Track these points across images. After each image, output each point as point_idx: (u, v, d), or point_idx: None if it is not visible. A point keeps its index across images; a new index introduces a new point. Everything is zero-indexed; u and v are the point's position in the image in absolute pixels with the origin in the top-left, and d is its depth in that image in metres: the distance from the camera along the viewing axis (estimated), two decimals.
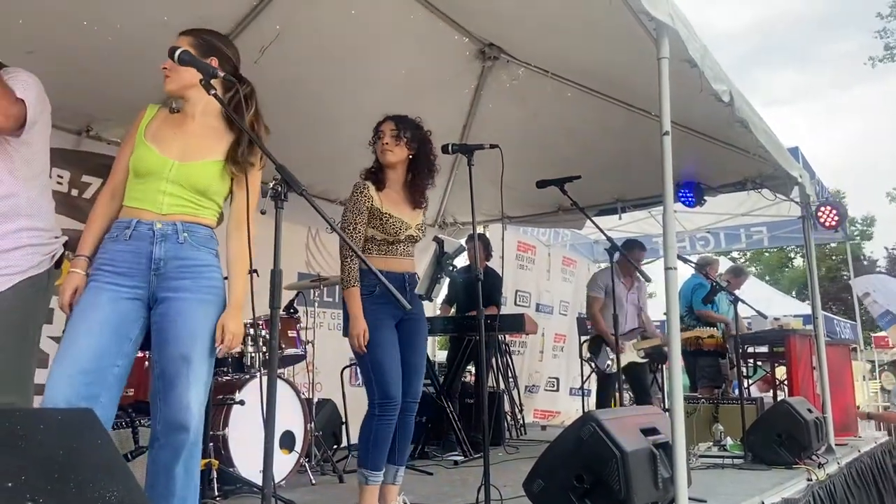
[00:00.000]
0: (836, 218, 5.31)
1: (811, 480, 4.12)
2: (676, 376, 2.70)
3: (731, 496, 3.40)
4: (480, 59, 4.80)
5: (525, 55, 4.65)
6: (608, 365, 5.41)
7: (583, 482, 2.53)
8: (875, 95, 49.43)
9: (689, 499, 2.75)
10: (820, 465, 4.36)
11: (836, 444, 5.19)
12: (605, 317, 5.38)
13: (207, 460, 3.18)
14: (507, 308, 7.47)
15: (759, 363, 6.79)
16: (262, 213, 1.87)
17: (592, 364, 5.60)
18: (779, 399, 5.72)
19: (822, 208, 5.38)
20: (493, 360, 5.85)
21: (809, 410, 4.64)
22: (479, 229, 6.99)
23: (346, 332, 2.85)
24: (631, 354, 5.46)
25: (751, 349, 6.60)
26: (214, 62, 2.10)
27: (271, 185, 1.80)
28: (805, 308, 10.44)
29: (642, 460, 2.56)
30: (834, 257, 24.62)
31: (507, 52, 4.68)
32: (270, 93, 4.21)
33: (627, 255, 5.34)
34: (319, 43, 4.13)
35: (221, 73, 1.89)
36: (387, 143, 2.94)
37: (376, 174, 2.97)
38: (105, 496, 1.16)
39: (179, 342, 1.93)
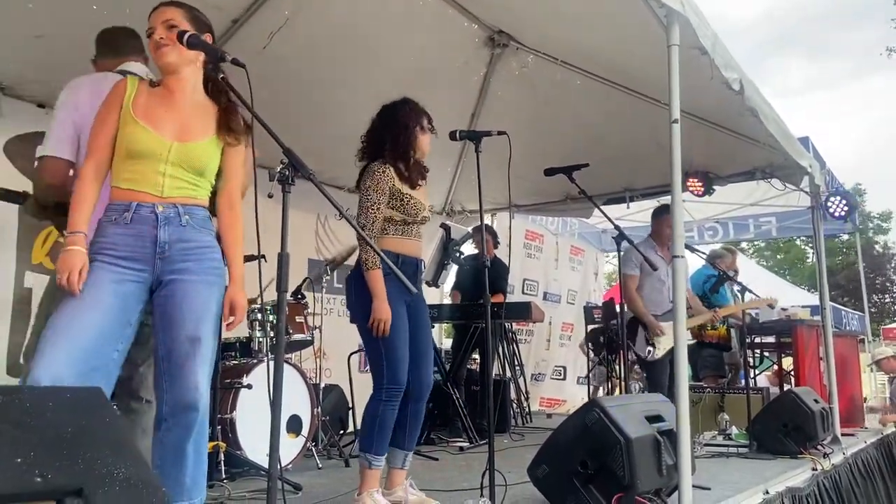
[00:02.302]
0: (845, 208, 5.28)
1: (816, 470, 4.12)
2: (682, 364, 2.70)
3: (735, 484, 3.41)
4: (490, 47, 4.78)
5: (534, 43, 4.63)
6: (649, 351, 4.70)
7: (587, 468, 2.55)
8: (893, 86, 48.76)
9: (693, 486, 2.75)
10: (825, 456, 4.36)
11: (842, 435, 5.18)
12: (644, 297, 4.79)
13: (215, 443, 3.21)
14: (515, 296, 7.47)
15: (766, 353, 6.78)
16: (270, 196, 1.87)
17: (614, 353, 5.05)
18: (785, 389, 5.72)
19: (832, 198, 5.35)
20: (500, 347, 5.85)
21: (816, 401, 4.64)
22: (487, 217, 6.98)
23: (358, 316, 2.80)
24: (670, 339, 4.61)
25: (758, 339, 6.58)
26: (209, 38, 2.07)
27: (278, 168, 1.80)
28: (814, 299, 10.38)
29: (647, 447, 2.57)
30: (847, 250, 24.45)
31: (516, 39, 4.66)
32: (279, 78, 4.26)
33: (660, 223, 4.83)
34: (329, 29, 4.13)
35: (230, 57, 1.88)
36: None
37: (407, 165, 2.90)
38: (113, 473, 1.18)
39: (186, 324, 1.93)
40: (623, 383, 4.71)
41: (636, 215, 7.15)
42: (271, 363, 3.69)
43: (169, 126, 2.02)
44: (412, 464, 3.03)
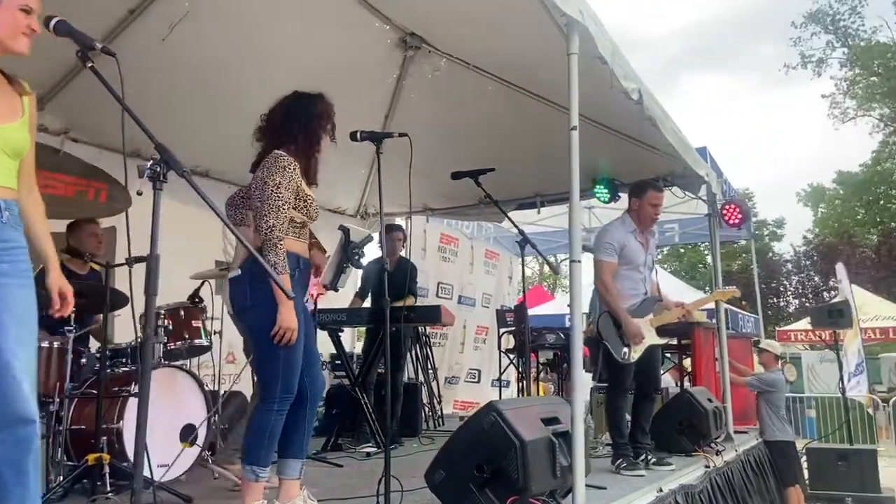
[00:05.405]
0: (739, 216, 5.55)
1: (709, 467, 4.30)
2: (577, 366, 2.75)
3: (630, 482, 3.51)
4: (402, 49, 4.77)
5: (446, 46, 4.64)
6: (624, 353, 3.99)
7: (483, 472, 2.54)
8: (793, 99, 52.51)
9: (589, 486, 2.81)
10: (718, 453, 4.55)
11: (735, 433, 5.43)
12: (620, 287, 4.05)
13: (98, 455, 3.04)
14: (430, 300, 7.48)
15: (668, 354, 7.02)
16: (139, 194, 1.76)
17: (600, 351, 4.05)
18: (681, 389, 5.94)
19: (727, 206, 5.61)
20: (412, 351, 5.81)
21: (710, 400, 4.84)
22: (402, 221, 6.95)
23: (252, 320, 2.65)
24: (651, 335, 4.10)
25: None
26: None
27: (149, 164, 1.70)
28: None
29: (541, 449, 2.59)
30: (744, 255, 25.79)
31: (428, 42, 4.65)
32: (179, 70, 4.09)
33: (642, 202, 4.08)
34: (232, 23, 4.01)
35: (100, 46, 1.76)
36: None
37: (310, 162, 2.76)
38: None
39: (10, 330, 1.80)
40: (528, 385, 4.76)
41: (547, 220, 7.29)
42: (164, 370, 3.54)
43: None
44: (315, 472, 2.95)
